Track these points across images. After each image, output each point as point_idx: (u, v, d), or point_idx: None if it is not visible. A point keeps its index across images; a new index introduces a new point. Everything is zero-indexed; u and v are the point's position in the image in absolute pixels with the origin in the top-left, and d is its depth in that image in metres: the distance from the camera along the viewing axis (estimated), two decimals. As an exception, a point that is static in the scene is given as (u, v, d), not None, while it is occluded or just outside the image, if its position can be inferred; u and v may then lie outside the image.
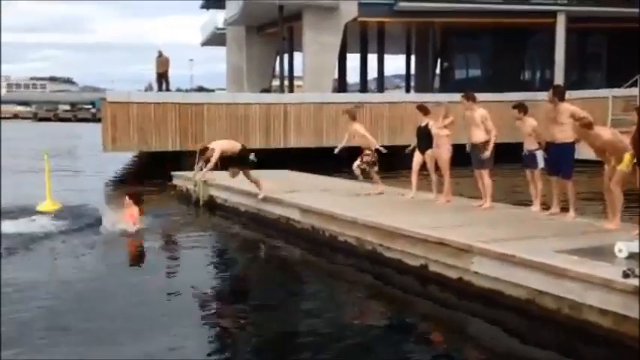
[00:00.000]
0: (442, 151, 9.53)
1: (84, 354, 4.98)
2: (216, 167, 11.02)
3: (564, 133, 7.87)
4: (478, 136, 8.93)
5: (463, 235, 6.88)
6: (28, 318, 5.74)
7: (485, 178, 9.01)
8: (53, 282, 7.05)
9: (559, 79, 24.85)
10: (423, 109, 10.10)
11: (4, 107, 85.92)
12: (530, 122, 8.58)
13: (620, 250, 5.76)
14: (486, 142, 8.87)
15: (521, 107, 8.71)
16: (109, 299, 6.42)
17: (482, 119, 8.89)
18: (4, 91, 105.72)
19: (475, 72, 31.70)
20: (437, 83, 30.47)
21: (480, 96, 23.00)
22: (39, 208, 11.52)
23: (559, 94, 8.00)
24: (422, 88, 30.56)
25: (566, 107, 7.91)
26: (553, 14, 25.63)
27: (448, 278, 6.73)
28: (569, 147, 7.94)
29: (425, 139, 9.83)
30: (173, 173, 14.40)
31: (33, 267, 7.68)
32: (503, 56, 28.93)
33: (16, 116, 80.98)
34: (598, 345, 5.17)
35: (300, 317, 6.14)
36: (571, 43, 26.26)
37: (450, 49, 31.23)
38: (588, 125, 7.27)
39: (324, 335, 5.57)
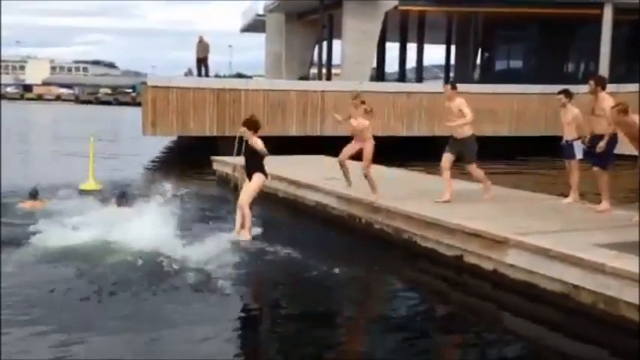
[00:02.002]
0: (367, 145, 9.10)
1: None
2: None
3: (602, 125, 7.76)
4: (462, 129, 8.55)
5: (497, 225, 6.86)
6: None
7: (474, 171, 8.84)
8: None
9: (604, 72, 24.25)
10: None
11: (48, 89, 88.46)
12: (573, 110, 8.44)
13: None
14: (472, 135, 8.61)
15: (567, 93, 8.53)
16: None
17: (461, 107, 8.43)
18: (47, 73, 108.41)
19: (517, 63, 31.15)
20: (477, 74, 30.08)
21: (522, 88, 22.77)
22: (81, 187, 11.91)
23: (602, 84, 7.88)
24: (461, 78, 30.20)
25: (606, 97, 7.80)
26: (599, 5, 25.00)
27: (483, 269, 6.73)
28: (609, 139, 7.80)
29: None
30: (213, 158, 14.59)
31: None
32: (546, 48, 28.36)
33: (58, 98, 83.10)
34: (633, 340, 5.13)
35: (332, 305, 6.20)
36: (618, 35, 25.58)
37: (492, 39, 30.75)
38: (624, 111, 7.16)
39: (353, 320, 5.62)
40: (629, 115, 7.20)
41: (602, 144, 7.65)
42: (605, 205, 7.97)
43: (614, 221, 7.40)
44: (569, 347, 5.31)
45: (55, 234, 7.56)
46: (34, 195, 9.93)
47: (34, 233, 7.67)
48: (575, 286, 5.67)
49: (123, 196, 9.42)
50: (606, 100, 7.75)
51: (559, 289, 5.83)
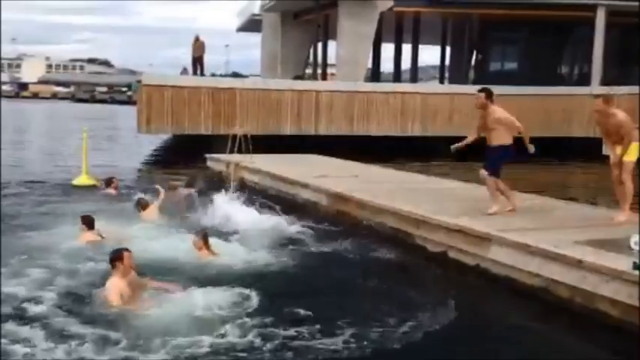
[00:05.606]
0: None
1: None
2: (248, 150, 11.33)
3: (499, 139, 7.91)
4: None
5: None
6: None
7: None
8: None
9: (597, 74, 24.51)
10: None
11: (44, 87, 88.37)
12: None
13: (635, 243, 5.82)
14: None
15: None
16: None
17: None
18: (43, 71, 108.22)
19: (511, 65, 31.39)
20: (472, 75, 30.25)
21: (515, 89, 22.93)
22: (74, 182, 12.01)
23: (490, 97, 7.90)
24: (456, 79, 30.40)
25: (496, 110, 7.89)
26: (593, 8, 25.21)
27: (466, 265, 6.92)
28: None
29: None
30: (207, 155, 14.73)
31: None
32: (540, 49, 28.56)
33: (54, 96, 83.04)
34: (609, 333, 5.30)
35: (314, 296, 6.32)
36: (611, 37, 25.78)
37: (486, 40, 30.92)
38: (609, 101, 7.40)
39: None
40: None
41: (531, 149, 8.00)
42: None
43: (592, 220, 7.58)
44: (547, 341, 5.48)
45: None
46: (109, 183, 11.18)
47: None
48: (554, 281, 5.86)
49: (192, 184, 10.82)
50: (497, 113, 7.84)
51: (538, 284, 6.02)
